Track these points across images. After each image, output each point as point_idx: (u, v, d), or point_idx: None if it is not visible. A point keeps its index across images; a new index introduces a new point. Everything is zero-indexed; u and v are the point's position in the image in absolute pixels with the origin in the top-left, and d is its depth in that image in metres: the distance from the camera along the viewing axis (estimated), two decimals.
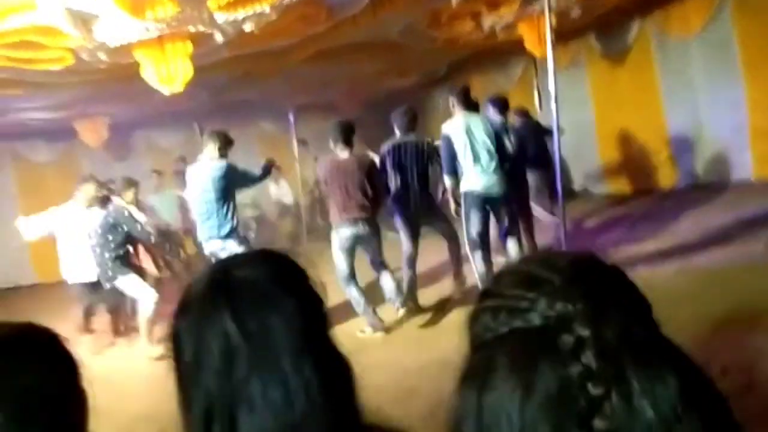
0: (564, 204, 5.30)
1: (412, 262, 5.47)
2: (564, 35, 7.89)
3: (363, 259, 5.36)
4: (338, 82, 9.88)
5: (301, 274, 0.91)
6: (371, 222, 5.17)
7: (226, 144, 5.30)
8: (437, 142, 5.41)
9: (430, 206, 5.53)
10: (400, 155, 5.42)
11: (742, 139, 7.84)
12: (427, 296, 5.70)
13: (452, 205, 5.30)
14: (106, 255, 5.62)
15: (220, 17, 5.00)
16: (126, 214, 5.72)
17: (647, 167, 9.14)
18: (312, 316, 0.87)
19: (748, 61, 7.61)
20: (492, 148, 5.13)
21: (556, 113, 5.08)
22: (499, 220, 5.40)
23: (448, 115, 5.38)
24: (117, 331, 6.34)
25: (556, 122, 5.11)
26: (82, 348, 4.73)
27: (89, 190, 5.98)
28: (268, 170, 5.88)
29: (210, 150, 5.28)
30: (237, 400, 0.79)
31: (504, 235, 5.44)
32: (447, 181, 5.22)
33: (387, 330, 5.15)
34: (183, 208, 8.77)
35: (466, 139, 5.07)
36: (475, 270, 5.18)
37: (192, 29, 5.14)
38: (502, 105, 6.10)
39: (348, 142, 5.17)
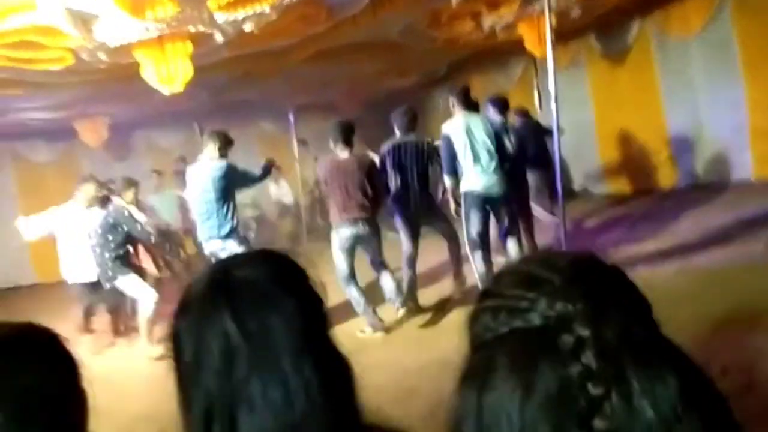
0: (564, 204, 5.30)
1: (412, 262, 5.48)
2: (564, 35, 7.89)
3: (363, 260, 5.36)
4: (338, 82, 9.88)
5: (301, 274, 0.91)
6: (371, 222, 5.17)
7: (226, 144, 5.30)
8: (437, 142, 5.41)
9: (430, 206, 5.53)
10: (400, 155, 5.42)
11: (742, 139, 7.84)
12: (427, 296, 5.70)
13: (452, 205, 5.30)
14: (106, 255, 5.62)
15: (220, 17, 5.00)
16: (126, 214, 5.71)
17: (647, 167, 9.14)
18: (312, 316, 0.87)
19: (748, 61, 7.61)
20: (492, 148, 5.13)
21: (556, 113, 5.07)
22: (499, 220, 5.40)
23: (448, 115, 5.38)
24: (117, 331, 6.34)
25: (556, 122, 5.11)
26: (82, 348, 4.73)
27: (89, 190, 5.98)
28: (268, 170, 5.88)
29: (210, 150, 5.28)
30: (237, 400, 0.79)
31: (504, 235, 5.44)
32: (447, 181, 5.23)
33: (387, 330, 5.14)
34: (183, 208, 8.76)
35: (466, 139, 5.07)
36: (474, 270, 5.18)
37: (192, 29, 5.14)
38: (502, 105, 6.10)
39: (348, 142, 5.17)
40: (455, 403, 0.60)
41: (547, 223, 6.63)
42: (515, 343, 0.57)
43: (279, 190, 10.82)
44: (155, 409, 3.55)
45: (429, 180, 5.57)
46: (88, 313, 6.17)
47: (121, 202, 5.85)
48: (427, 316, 5.30)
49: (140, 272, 5.86)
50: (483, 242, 5.14)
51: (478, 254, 5.11)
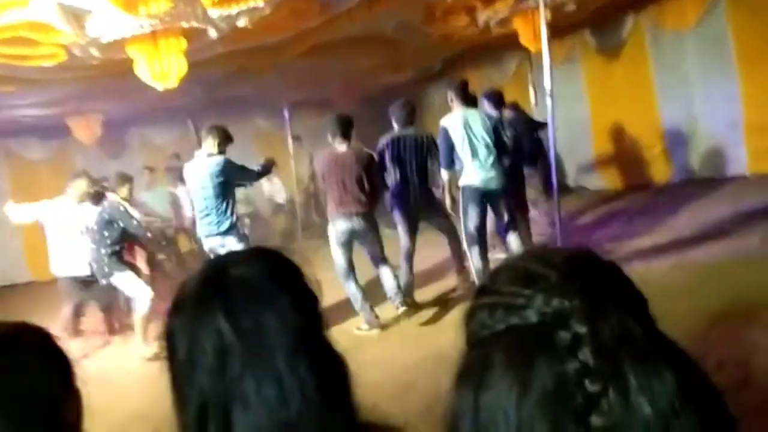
0: (558, 199, 5.31)
1: (409, 257, 5.45)
2: (559, 30, 7.89)
3: (362, 257, 5.33)
4: (333, 77, 9.86)
5: (296, 271, 0.91)
6: (368, 216, 5.13)
7: (225, 140, 5.27)
8: (436, 136, 5.39)
9: (429, 200, 5.51)
10: (398, 148, 5.39)
11: (736, 134, 7.86)
12: (426, 293, 5.69)
13: (447, 201, 5.28)
14: (102, 251, 5.60)
15: (214, 13, 4.97)
16: (122, 209, 5.69)
17: (642, 162, 9.15)
18: (307, 313, 0.86)
19: (743, 55, 7.62)
20: (490, 143, 5.12)
21: (552, 108, 5.08)
22: (497, 215, 5.39)
23: (444, 110, 5.37)
24: (111, 330, 6.32)
25: (551, 117, 5.11)
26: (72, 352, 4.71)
27: (80, 185, 5.95)
28: (267, 169, 5.86)
29: (209, 145, 5.25)
30: (231, 399, 0.79)
31: (504, 230, 5.43)
32: (444, 175, 5.21)
33: (384, 327, 5.14)
34: (175, 204, 8.75)
35: (465, 133, 5.06)
36: (472, 265, 5.17)
37: (185, 25, 5.12)
38: (497, 99, 6.10)
39: (346, 136, 5.14)
40: (452, 401, 0.59)
41: (537, 220, 6.63)
42: (512, 340, 0.57)
43: (272, 188, 10.79)
44: (150, 407, 3.54)
45: (428, 174, 5.55)
46: (78, 313, 6.08)
47: (116, 197, 5.82)
48: (425, 313, 5.28)
49: (135, 269, 5.84)
50: (480, 237, 5.13)
51: (476, 249, 5.10)
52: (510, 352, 0.56)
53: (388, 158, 5.39)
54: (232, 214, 5.25)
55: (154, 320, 5.40)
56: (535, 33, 6.56)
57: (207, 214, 5.22)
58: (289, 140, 9.15)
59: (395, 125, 5.53)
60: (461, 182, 5.16)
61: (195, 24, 5.15)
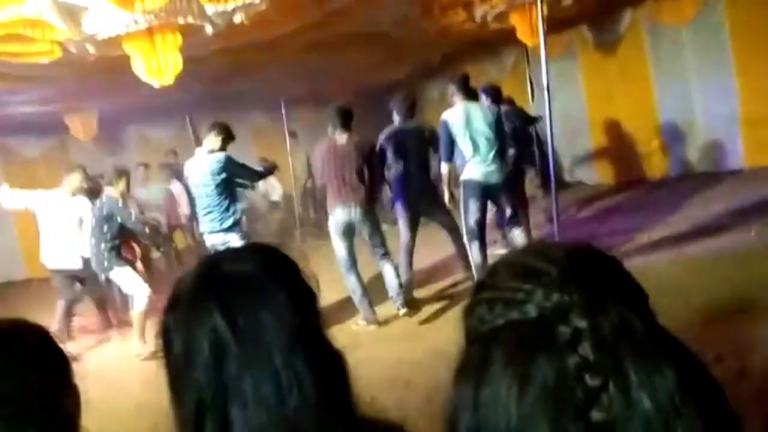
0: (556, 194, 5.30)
1: (409, 252, 5.42)
2: (556, 25, 7.88)
3: (366, 255, 5.29)
4: (330, 73, 9.83)
5: (293, 267, 0.90)
6: (367, 207, 5.06)
7: (227, 137, 5.24)
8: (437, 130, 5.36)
9: (431, 193, 5.48)
10: (400, 141, 5.37)
11: (734, 128, 7.86)
12: (425, 290, 5.68)
13: (446, 195, 5.27)
14: (102, 246, 5.58)
15: (210, 8, 4.96)
16: (120, 204, 5.68)
17: (639, 157, 9.16)
18: (304, 310, 0.85)
19: (740, 50, 7.62)
20: (492, 137, 5.11)
21: (549, 103, 5.07)
22: (499, 209, 5.37)
23: (443, 105, 5.36)
24: (108, 325, 6.31)
25: (548, 112, 5.10)
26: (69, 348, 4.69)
27: (74, 179, 5.93)
28: (269, 171, 5.85)
29: (210, 142, 5.22)
30: (229, 397, 0.78)
31: (507, 224, 5.42)
32: (443, 167, 5.19)
33: (383, 323, 5.11)
34: (170, 201, 8.72)
35: (466, 127, 5.04)
36: (471, 260, 5.16)
37: (182, 21, 5.09)
38: (495, 94, 6.09)
39: (346, 127, 5.09)
40: (451, 397, 0.59)
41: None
42: (511, 335, 0.57)
43: (266, 185, 10.76)
44: (148, 403, 3.54)
45: (430, 166, 5.53)
46: (69, 313, 6.02)
47: (114, 192, 5.80)
48: (424, 310, 5.23)
49: (133, 266, 5.82)
50: (480, 232, 5.13)
51: (476, 244, 5.09)
52: (509, 348, 0.56)
53: (390, 151, 5.36)
54: (234, 211, 5.22)
55: (151, 317, 5.39)
56: (532, 28, 6.55)
57: (209, 212, 5.19)
58: (287, 137, 9.14)
59: (396, 118, 5.50)
60: (462, 176, 5.15)
61: (191, 20, 5.12)
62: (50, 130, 10.14)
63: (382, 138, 5.44)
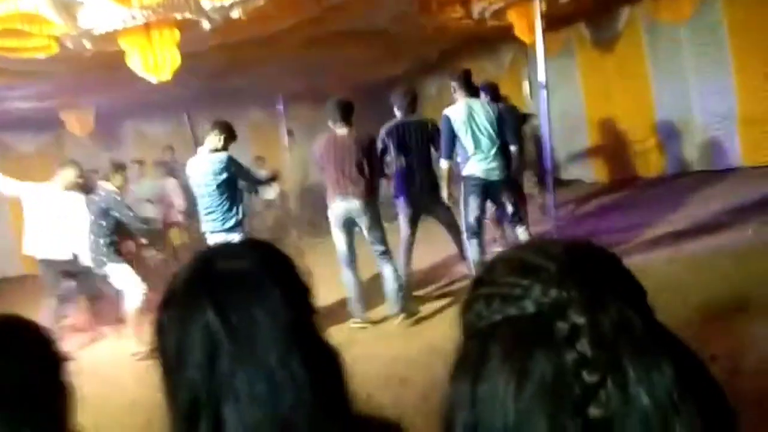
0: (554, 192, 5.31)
1: (409, 248, 5.40)
2: (554, 22, 7.87)
3: (366, 255, 5.26)
4: (328, 69, 9.82)
5: (287, 263, 0.89)
6: (366, 200, 4.99)
7: (228, 136, 5.20)
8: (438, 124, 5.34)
9: (433, 187, 5.46)
10: (402, 136, 5.35)
11: (731, 126, 7.88)
12: (422, 288, 5.68)
13: (445, 191, 5.25)
14: (101, 241, 5.56)
15: (207, 4, 4.94)
16: (117, 199, 5.66)
17: (637, 154, 9.17)
18: (298, 306, 0.85)
19: (738, 48, 7.63)
20: (493, 134, 5.09)
21: (546, 101, 5.07)
22: (499, 206, 5.37)
23: (441, 102, 5.34)
24: (100, 323, 6.28)
25: (546, 110, 5.11)
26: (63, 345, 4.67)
27: (68, 174, 5.89)
28: (272, 179, 5.85)
29: (212, 141, 5.16)
30: (222, 394, 0.78)
31: (509, 222, 5.41)
32: (443, 164, 5.17)
33: (378, 321, 5.10)
34: (164, 197, 8.69)
35: (468, 124, 5.03)
36: (469, 257, 5.15)
37: (179, 16, 5.08)
38: (493, 92, 6.08)
39: (346, 120, 5.04)
40: (448, 393, 0.59)
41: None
42: (509, 331, 0.56)
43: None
44: (143, 399, 3.53)
45: (432, 161, 5.51)
46: (60, 314, 5.90)
47: (110, 187, 5.77)
48: (422, 308, 5.21)
49: (130, 263, 5.81)
50: (480, 229, 5.12)
51: (474, 241, 5.09)
52: (507, 343, 0.56)
53: (392, 145, 5.33)
54: (237, 211, 5.15)
55: (146, 315, 5.37)
56: (529, 25, 6.54)
57: (211, 212, 5.12)
58: (285, 134, 9.11)
59: (398, 113, 5.48)
60: (464, 173, 5.14)
61: (188, 15, 5.11)
62: (46, 125, 10.11)
63: (383, 132, 5.41)
